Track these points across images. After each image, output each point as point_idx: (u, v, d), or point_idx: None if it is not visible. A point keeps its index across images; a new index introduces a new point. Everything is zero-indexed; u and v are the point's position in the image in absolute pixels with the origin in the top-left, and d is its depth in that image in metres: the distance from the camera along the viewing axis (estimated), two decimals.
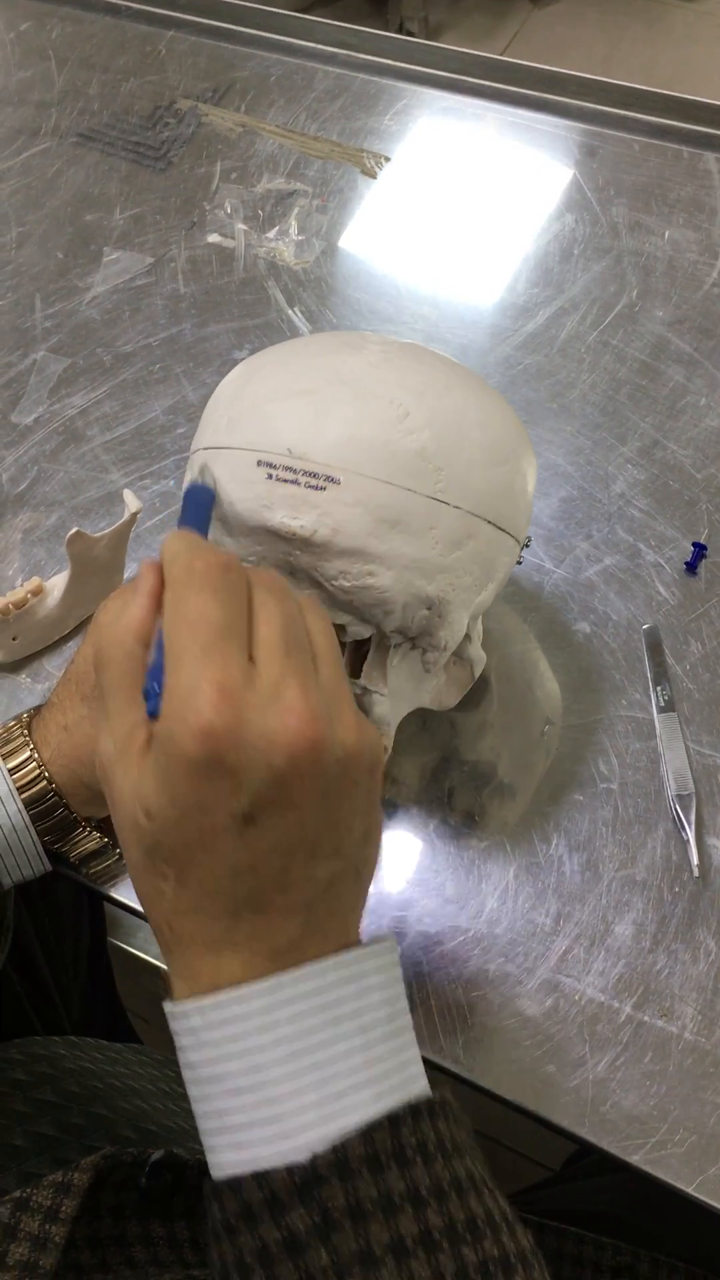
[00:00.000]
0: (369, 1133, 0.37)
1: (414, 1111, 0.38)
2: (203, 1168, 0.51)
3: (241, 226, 0.88)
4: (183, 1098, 0.63)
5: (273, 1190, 0.36)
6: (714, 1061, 0.54)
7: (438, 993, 0.57)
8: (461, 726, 0.64)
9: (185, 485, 0.48)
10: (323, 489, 0.47)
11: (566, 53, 2.42)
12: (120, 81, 1.00)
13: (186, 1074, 0.39)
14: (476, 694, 0.65)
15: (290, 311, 0.83)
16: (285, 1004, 0.38)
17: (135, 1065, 0.62)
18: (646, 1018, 0.55)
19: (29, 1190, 0.45)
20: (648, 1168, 0.52)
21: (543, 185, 0.89)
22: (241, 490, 0.48)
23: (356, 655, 0.54)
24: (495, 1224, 0.38)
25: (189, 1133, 0.60)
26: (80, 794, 0.55)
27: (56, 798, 0.54)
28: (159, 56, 1.01)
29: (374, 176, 0.90)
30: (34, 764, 0.54)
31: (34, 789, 0.54)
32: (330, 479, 0.47)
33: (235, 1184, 0.37)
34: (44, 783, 0.54)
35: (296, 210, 0.89)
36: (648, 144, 0.90)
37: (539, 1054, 0.55)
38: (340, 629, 0.51)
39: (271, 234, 0.87)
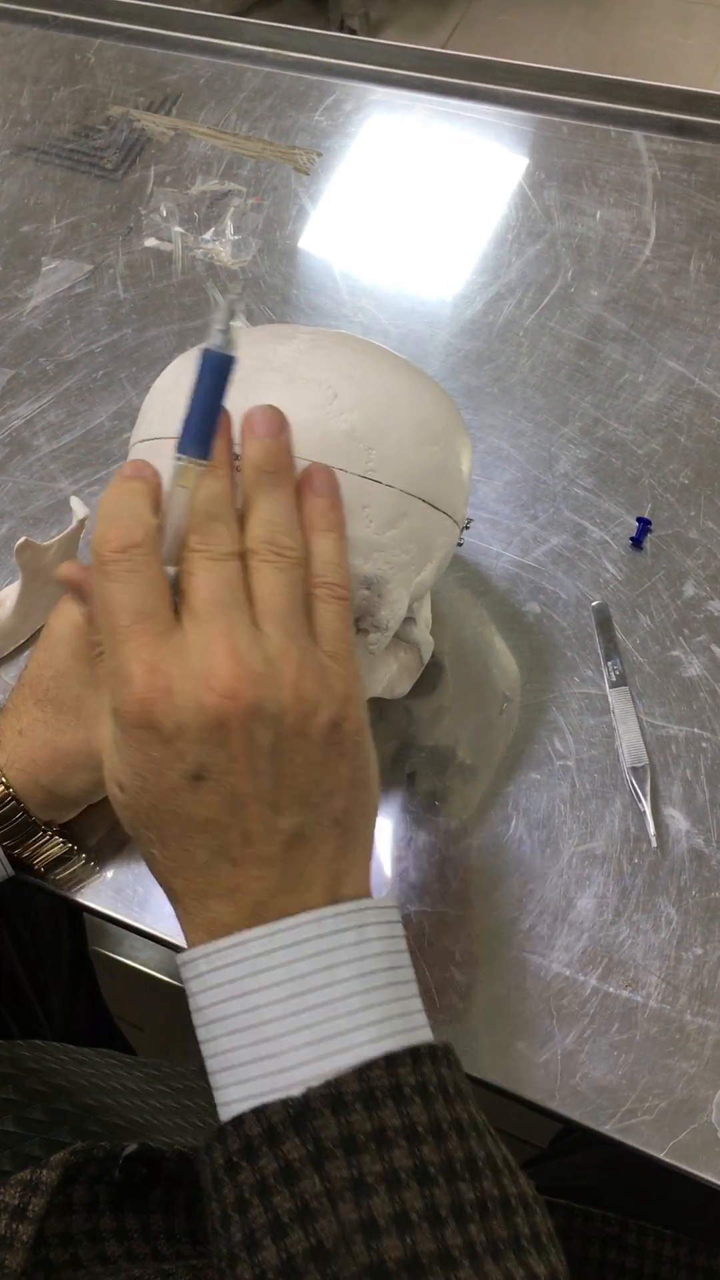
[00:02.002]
0: (364, 1070, 0.39)
1: (414, 1054, 0.40)
2: (179, 1158, 0.51)
3: (178, 229, 0.88)
4: (151, 1095, 0.63)
5: (269, 1123, 0.38)
6: (679, 1028, 0.55)
7: None
8: (418, 713, 0.65)
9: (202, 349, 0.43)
10: None
11: (509, 42, 2.43)
12: (51, 91, 0.99)
13: (196, 1019, 0.42)
14: (432, 679, 0.65)
15: None
16: (282, 949, 0.40)
17: (102, 1067, 0.62)
18: (611, 989, 0.56)
19: None
20: (619, 1136, 0.53)
21: (474, 172, 0.89)
22: None
23: None
24: (496, 1167, 0.40)
25: (157, 1127, 0.60)
26: (37, 796, 0.55)
27: (14, 802, 0.55)
28: (88, 64, 1.01)
29: (306, 173, 0.91)
30: None
31: None
32: None
33: (238, 1121, 0.39)
34: (1, 788, 0.54)
35: (231, 210, 0.89)
36: (576, 126, 0.90)
37: (507, 1031, 0.55)
38: None
39: (208, 235, 0.88)
